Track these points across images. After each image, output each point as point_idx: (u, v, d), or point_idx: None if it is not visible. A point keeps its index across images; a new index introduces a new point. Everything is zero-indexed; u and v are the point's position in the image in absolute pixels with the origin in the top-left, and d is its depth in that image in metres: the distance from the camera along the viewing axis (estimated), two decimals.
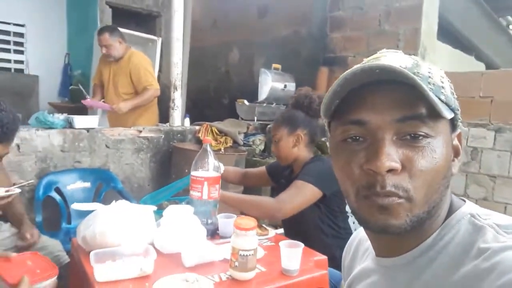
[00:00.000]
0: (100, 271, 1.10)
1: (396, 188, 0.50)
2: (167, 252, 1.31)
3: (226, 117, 3.73)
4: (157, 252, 1.26)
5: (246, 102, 3.95)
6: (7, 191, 1.47)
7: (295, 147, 1.71)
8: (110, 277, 1.11)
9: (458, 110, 0.55)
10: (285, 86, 4.07)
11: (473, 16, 5.48)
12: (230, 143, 3.23)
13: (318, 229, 1.67)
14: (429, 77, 0.52)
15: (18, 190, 1.46)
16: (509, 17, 6.81)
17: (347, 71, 0.52)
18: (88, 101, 3.10)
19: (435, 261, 0.52)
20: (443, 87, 0.53)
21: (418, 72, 0.51)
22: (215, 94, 5.70)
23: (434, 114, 0.49)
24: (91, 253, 1.16)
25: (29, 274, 1.12)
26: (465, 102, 3.57)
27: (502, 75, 3.32)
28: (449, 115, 0.51)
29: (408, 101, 0.50)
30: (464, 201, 0.58)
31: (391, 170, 0.50)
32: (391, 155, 0.50)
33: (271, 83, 3.94)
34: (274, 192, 1.99)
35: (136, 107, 3.08)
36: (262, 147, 3.55)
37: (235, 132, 3.27)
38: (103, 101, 3.19)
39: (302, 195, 1.54)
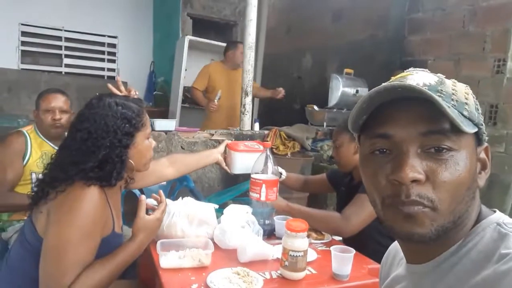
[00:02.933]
0: (164, 259, 1.23)
1: (420, 198, 0.52)
2: (225, 247, 1.41)
3: (296, 122, 3.77)
4: (216, 246, 1.37)
5: (315, 107, 3.96)
6: None
7: (356, 154, 1.70)
8: (172, 264, 1.23)
9: (482, 125, 0.56)
10: (357, 91, 3.99)
11: None
12: (297, 148, 3.28)
13: (375, 240, 1.63)
14: (453, 94, 0.55)
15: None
16: None
17: (372, 90, 0.56)
18: None
19: (457, 266, 0.54)
20: (466, 103, 0.55)
21: (441, 90, 0.54)
22: (286, 99, 5.74)
23: (457, 129, 0.51)
24: (158, 242, 1.30)
25: None
26: None
27: None
28: (470, 129, 0.53)
29: (432, 116, 0.53)
30: (495, 211, 0.58)
31: (415, 181, 0.52)
32: (415, 167, 0.52)
33: (341, 88, 3.90)
34: (336, 200, 1.99)
35: None
36: (330, 153, 3.52)
37: (303, 137, 3.30)
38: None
39: (367, 209, 1.51)
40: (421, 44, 4.41)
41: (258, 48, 4.57)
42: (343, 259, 1.23)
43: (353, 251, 1.26)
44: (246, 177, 1.67)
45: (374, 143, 0.57)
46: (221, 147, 1.79)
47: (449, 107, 0.51)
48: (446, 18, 4.13)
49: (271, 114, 5.05)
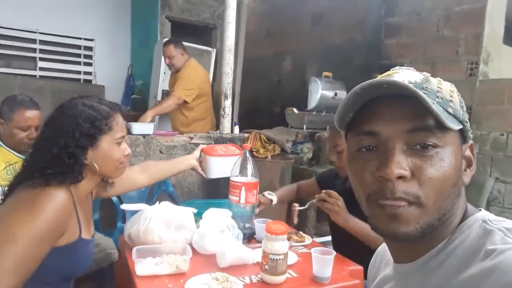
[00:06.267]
0: (140, 266, 1.19)
1: (406, 195, 0.52)
2: (204, 252, 1.37)
3: (277, 125, 3.78)
4: (195, 251, 1.34)
5: (295, 110, 3.98)
6: None
7: None
8: (149, 272, 1.19)
9: (467, 122, 0.56)
10: (336, 94, 4.04)
11: None
12: (278, 151, 3.27)
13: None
14: (438, 91, 0.55)
15: None
16: None
17: (357, 86, 0.56)
18: None
19: (444, 264, 0.54)
20: (451, 101, 0.55)
21: (426, 87, 0.54)
22: (267, 103, 5.79)
23: (442, 125, 0.52)
24: (134, 249, 1.26)
25: None
26: None
27: None
28: (455, 126, 0.53)
29: (417, 113, 0.53)
30: (480, 210, 0.59)
31: (401, 177, 0.52)
32: (401, 163, 0.52)
33: (320, 91, 3.94)
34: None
35: (180, 115, 3.33)
36: (310, 155, 3.54)
37: (283, 140, 3.30)
38: None
39: None
40: (397, 47, 4.49)
41: (238, 52, 4.56)
42: (324, 261, 1.22)
43: (334, 252, 1.25)
44: (226, 180, 1.66)
45: (361, 140, 0.57)
46: (196, 152, 1.76)
47: (433, 103, 0.51)
48: (421, 23, 4.22)
49: (251, 117, 5.04)
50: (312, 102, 4.00)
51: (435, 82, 0.56)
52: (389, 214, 0.53)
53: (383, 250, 0.77)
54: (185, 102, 3.23)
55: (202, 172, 1.75)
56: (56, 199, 1.03)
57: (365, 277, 1.36)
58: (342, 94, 4.12)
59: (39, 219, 0.98)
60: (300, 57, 5.42)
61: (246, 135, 3.35)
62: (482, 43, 3.73)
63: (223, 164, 1.67)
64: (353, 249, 1.45)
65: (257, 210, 1.70)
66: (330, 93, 4.04)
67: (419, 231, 0.53)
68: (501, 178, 3.53)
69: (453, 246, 0.54)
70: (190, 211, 1.48)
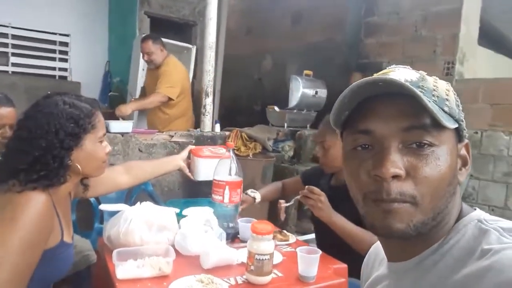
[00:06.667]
0: (121, 269, 1.15)
1: (402, 195, 0.52)
2: (187, 254, 1.34)
3: (258, 123, 3.76)
4: (178, 253, 1.30)
5: (276, 108, 3.97)
6: None
7: None
8: (130, 275, 1.15)
9: (463, 121, 0.56)
10: (316, 92, 4.05)
11: None
12: (259, 149, 3.26)
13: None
14: (434, 90, 0.54)
15: None
16: None
17: (353, 84, 0.55)
18: None
19: (439, 263, 0.54)
20: (447, 100, 0.55)
21: (422, 86, 0.54)
22: (247, 101, 5.76)
23: (438, 124, 0.51)
24: (114, 252, 1.21)
25: None
26: (507, 109, 3.40)
27: None
28: (451, 125, 0.53)
29: (413, 112, 0.52)
30: (475, 209, 0.59)
31: (396, 177, 0.52)
32: (396, 162, 0.52)
33: (301, 89, 3.94)
34: None
35: (153, 111, 3.25)
36: (291, 153, 3.54)
37: (264, 138, 3.29)
38: None
39: None
40: (376, 47, 4.55)
41: (218, 49, 4.51)
42: (310, 261, 1.21)
43: (319, 251, 1.24)
44: (209, 182, 1.61)
45: (356, 139, 0.57)
46: (184, 153, 1.69)
47: (430, 101, 0.51)
48: (400, 22, 4.29)
49: (232, 116, 5.01)
50: (293, 100, 4.00)
51: (431, 81, 0.56)
52: (384, 210, 0.53)
53: (376, 250, 0.77)
54: (169, 99, 3.17)
55: (189, 174, 1.68)
56: (38, 202, 0.99)
57: (349, 275, 1.37)
58: (323, 93, 4.14)
59: (26, 225, 0.94)
60: (280, 56, 5.42)
61: (227, 133, 3.32)
62: (458, 44, 3.82)
63: (211, 166, 1.61)
64: (337, 247, 1.45)
65: (240, 208, 1.68)
66: (311, 92, 4.05)
67: (413, 229, 0.52)
68: (475, 175, 3.63)
69: (448, 246, 0.54)
70: (172, 211, 1.45)
